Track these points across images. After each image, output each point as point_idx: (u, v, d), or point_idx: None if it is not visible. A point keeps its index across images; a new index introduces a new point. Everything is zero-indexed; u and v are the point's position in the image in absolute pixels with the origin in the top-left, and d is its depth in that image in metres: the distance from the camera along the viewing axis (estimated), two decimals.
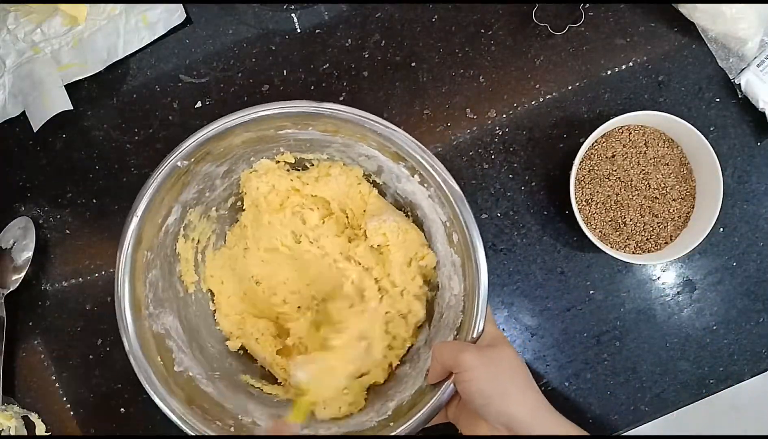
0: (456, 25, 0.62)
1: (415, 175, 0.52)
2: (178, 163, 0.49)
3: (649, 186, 0.57)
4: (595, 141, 0.57)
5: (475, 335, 0.48)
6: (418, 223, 0.57)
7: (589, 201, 0.57)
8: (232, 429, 0.50)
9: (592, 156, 0.57)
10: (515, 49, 0.61)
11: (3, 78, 0.63)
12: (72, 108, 0.60)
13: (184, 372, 0.52)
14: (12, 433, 0.60)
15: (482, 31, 0.62)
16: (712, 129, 0.60)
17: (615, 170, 0.57)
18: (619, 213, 0.57)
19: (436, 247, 0.55)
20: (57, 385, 0.62)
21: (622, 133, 0.57)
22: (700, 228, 0.55)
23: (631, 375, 0.59)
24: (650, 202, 0.57)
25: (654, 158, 0.57)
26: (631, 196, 0.57)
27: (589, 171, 0.57)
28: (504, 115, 0.61)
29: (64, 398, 0.62)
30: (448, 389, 0.47)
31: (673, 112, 0.55)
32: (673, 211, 0.57)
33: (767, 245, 0.60)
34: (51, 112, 0.59)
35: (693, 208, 0.57)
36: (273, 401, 0.55)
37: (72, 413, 0.61)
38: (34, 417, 0.61)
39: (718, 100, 0.60)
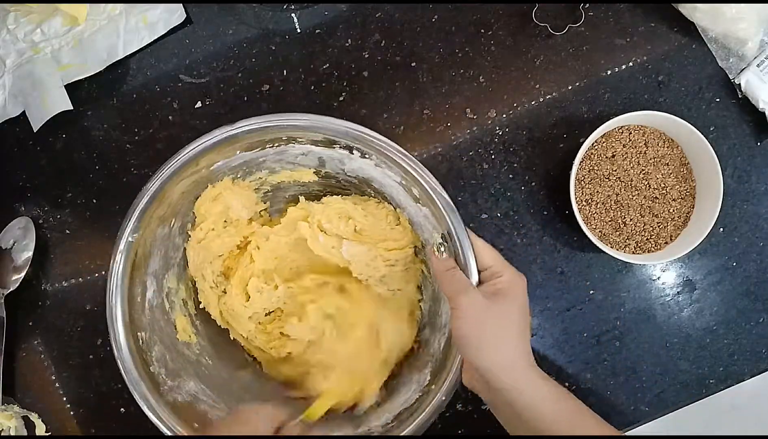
0: (456, 25, 0.62)
1: (354, 152, 0.51)
2: (130, 238, 0.50)
3: (649, 186, 0.57)
4: (595, 141, 0.57)
5: (473, 276, 0.47)
6: (382, 195, 0.56)
7: (589, 201, 0.57)
8: None
9: (592, 156, 0.57)
10: (515, 49, 0.61)
11: (3, 78, 0.63)
12: (72, 108, 0.60)
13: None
14: (12, 433, 0.60)
15: (482, 31, 0.62)
16: (712, 129, 0.60)
17: (615, 170, 0.57)
18: (619, 213, 0.57)
19: (406, 209, 0.55)
20: (57, 385, 0.62)
21: (622, 133, 0.57)
22: (700, 228, 0.55)
23: (631, 375, 0.59)
24: (650, 202, 0.57)
25: (654, 158, 0.57)
26: (631, 196, 0.57)
27: (589, 171, 0.57)
28: (504, 115, 0.61)
29: (64, 398, 0.62)
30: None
31: (673, 112, 0.55)
32: (673, 211, 0.57)
33: (767, 245, 0.60)
34: (51, 112, 0.59)
35: (693, 208, 0.57)
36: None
37: (72, 413, 0.61)
38: (34, 417, 0.61)
39: (718, 100, 0.60)
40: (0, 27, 0.63)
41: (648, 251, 0.57)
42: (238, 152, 0.51)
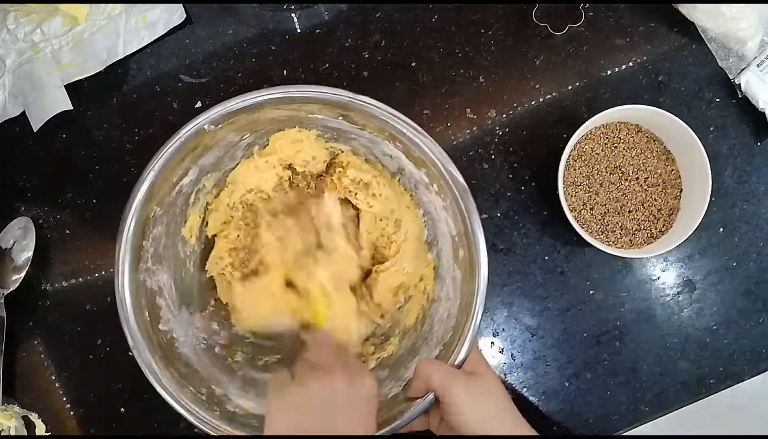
0: (456, 25, 0.62)
1: (434, 185, 0.52)
2: (205, 127, 0.50)
3: (637, 180, 0.58)
4: (586, 136, 0.57)
5: (460, 359, 0.48)
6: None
7: (583, 198, 0.57)
8: (203, 397, 0.50)
9: (583, 155, 0.58)
10: (515, 49, 0.61)
11: (3, 78, 0.63)
12: (72, 108, 0.60)
13: (167, 332, 0.52)
14: (12, 433, 0.60)
15: (482, 31, 0.62)
16: (712, 129, 0.60)
17: (604, 168, 0.58)
18: (613, 208, 0.57)
19: (441, 259, 0.55)
20: (57, 385, 0.62)
21: (602, 129, 0.58)
22: (691, 217, 0.55)
23: (631, 375, 0.59)
24: (642, 195, 0.58)
25: (637, 152, 0.58)
26: (624, 192, 0.57)
27: (579, 169, 0.58)
28: (504, 115, 0.61)
29: (64, 398, 0.61)
30: (423, 404, 0.47)
31: (673, 112, 0.55)
32: (664, 201, 0.57)
33: (767, 245, 0.60)
34: (51, 112, 0.59)
35: (680, 195, 0.58)
36: (247, 377, 0.55)
37: (72, 413, 0.61)
38: (34, 417, 0.61)
39: (718, 100, 0.60)
40: (0, 27, 0.63)
41: (645, 243, 0.57)
42: (339, 118, 0.52)
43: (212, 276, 0.58)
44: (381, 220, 0.58)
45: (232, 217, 0.58)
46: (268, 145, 0.56)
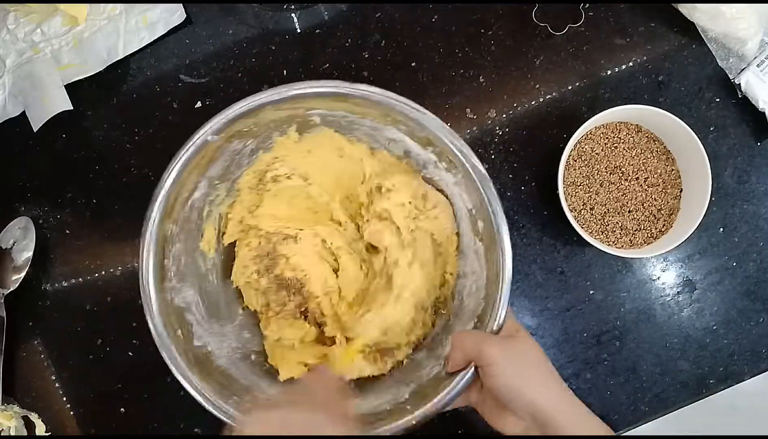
0: (456, 25, 0.62)
1: (443, 161, 0.51)
2: (209, 138, 0.49)
3: (637, 180, 0.58)
4: (586, 136, 0.57)
5: (496, 326, 0.48)
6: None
7: (583, 198, 0.57)
8: (248, 405, 0.50)
9: (583, 155, 0.57)
10: (515, 49, 0.61)
11: (3, 78, 0.63)
12: (72, 108, 0.60)
13: (202, 347, 0.52)
14: (12, 433, 0.60)
15: (482, 31, 0.62)
16: (712, 129, 0.60)
17: (604, 168, 0.57)
18: (613, 208, 0.57)
19: (462, 235, 0.55)
20: (57, 385, 0.62)
21: (603, 129, 0.58)
22: (691, 217, 0.55)
23: (631, 375, 0.59)
24: (642, 195, 0.57)
25: (637, 152, 0.58)
26: (624, 192, 0.57)
27: (579, 169, 0.57)
28: (504, 115, 0.61)
29: (64, 398, 0.61)
30: (466, 377, 0.47)
31: (673, 112, 0.55)
32: (664, 201, 0.57)
33: (767, 245, 0.60)
34: (51, 112, 0.59)
35: (680, 195, 0.58)
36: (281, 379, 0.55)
37: (72, 413, 0.61)
38: (34, 417, 0.61)
39: (718, 100, 0.60)
40: (0, 27, 0.63)
41: (645, 243, 0.57)
42: (340, 110, 0.52)
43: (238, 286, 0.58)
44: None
45: (249, 226, 0.58)
46: (273, 147, 0.56)
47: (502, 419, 0.47)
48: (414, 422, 0.47)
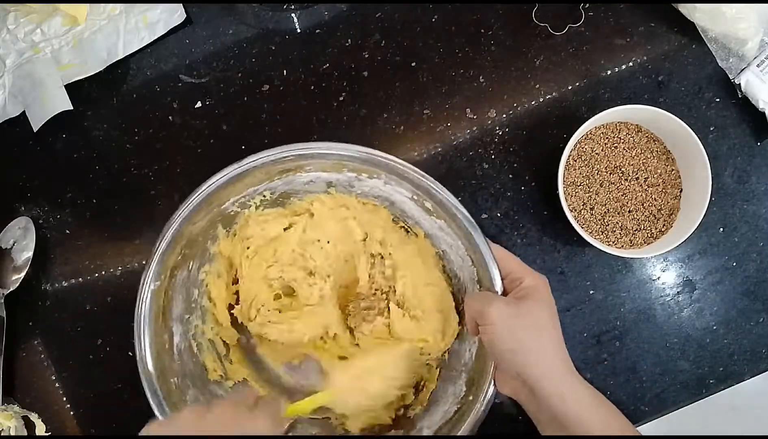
0: (456, 25, 0.62)
1: (362, 174, 0.52)
2: (152, 286, 0.50)
3: (637, 180, 0.57)
4: (586, 136, 0.57)
5: (497, 287, 0.48)
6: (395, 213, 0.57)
7: (583, 198, 0.57)
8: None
9: (583, 155, 0.57)
10: (515, 49, 0.61)
11: (3, 78, 0.63)
12: (72, 108, 0.60)
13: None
14: (12, 433, 0.60)
15: (482, 31, 0.62)
16: (712, 129, 0.60)
17: (604, 168, 0.57)
18: (613, 208, 0.57)
19: (420, 223, 0.56)
20: (57, 385, 0.62)
21: (603, 129, 0.58)
22: (691, 217, 0.55)
23: (631, 375, 0.59)
24: (642, 195, 0.57)
25: (637, 152, 0.58)
26: (624, 192, 0.57)
27: (579, 169, 0.57)
28: (504, 115, 0.61)
29: (64, 398, 0.61)
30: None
31: (673, 112, 0.55)
32: (664, 201, 0.57)
33: (767, 245, 0.60)
34: (51, 112, 0.59)
35: (680, 195, 0.58)
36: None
37: (72, 413, 0.61)
38: (34, 417, 0.61)
39: (718, 100, 0.60)
40: (0, 27, 0.63)
41: (642, 245, 0.57)
42: (248, 189, 0.52)
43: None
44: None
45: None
46: (213, 255, 0.56)
47: (500, 379, 0.47)
48: (483, 409, 0.48)
